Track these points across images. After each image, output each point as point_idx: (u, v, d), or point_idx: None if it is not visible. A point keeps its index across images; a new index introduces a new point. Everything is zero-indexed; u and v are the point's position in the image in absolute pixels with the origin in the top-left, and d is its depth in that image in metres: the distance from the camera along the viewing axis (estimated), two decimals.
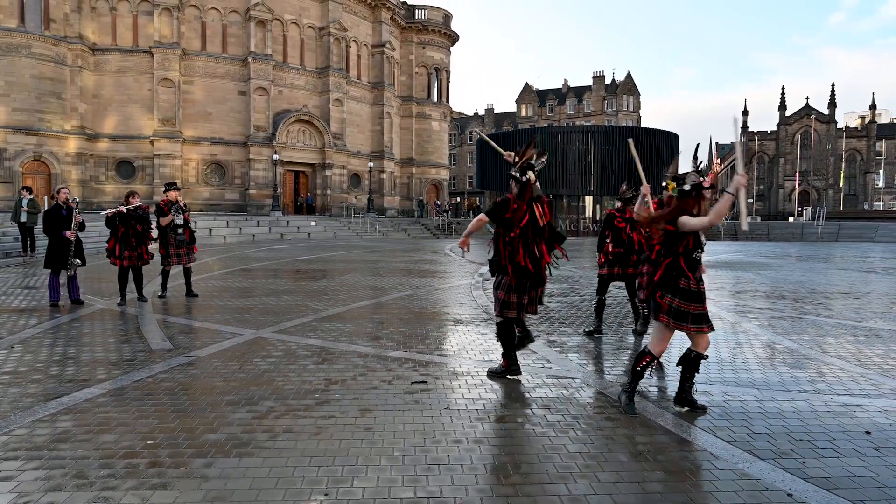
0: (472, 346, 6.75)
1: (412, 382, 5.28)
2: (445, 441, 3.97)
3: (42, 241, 16.99)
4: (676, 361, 4.69)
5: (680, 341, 5.54)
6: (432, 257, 20.35)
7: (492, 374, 5.53)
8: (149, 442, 3.89)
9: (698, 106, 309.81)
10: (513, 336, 5.42)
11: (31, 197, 17.98)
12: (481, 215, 5.34)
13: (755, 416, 4.54)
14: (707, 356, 4.69)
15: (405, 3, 51.65)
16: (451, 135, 73.61)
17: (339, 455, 3.72)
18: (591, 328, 7.45)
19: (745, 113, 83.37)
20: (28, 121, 33.72)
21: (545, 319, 8.43)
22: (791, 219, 58.71)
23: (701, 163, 4.64)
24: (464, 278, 13.75)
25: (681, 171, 5.07)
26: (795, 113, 79.63)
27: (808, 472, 3.53)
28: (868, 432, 4.18)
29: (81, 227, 9.33)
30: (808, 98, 79.99)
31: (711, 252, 23.34)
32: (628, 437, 4.07)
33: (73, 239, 9.11)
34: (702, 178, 4.40)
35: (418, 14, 52.21)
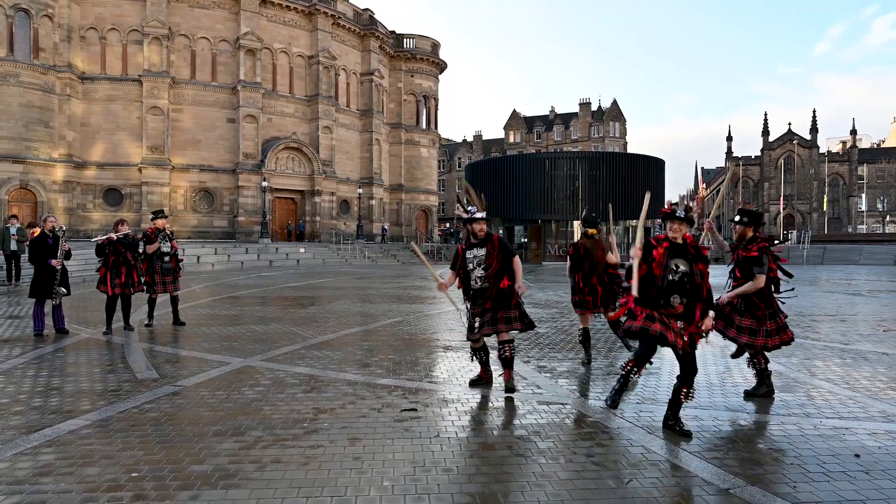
0: (461, 373, 6.71)
1: (402, 410, 5.23)
2: (436, 470, 3.93)
3: (27, 270, 16.81)
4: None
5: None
6: (422, 283, 20.32)
7: (474, 384, 6.05)
8: (133, 474, 3.81)
9: (693, 132, 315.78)
10: None
11: (20, 225, 17.87)
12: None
13: (746, 441, 4.54)
14: None
15: (394, 32, 52.38)
16: (440, 161, 74.20)
17: (327, 485, 3.67)
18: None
19: (729, 139, 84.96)
20: (15, 149, 33.62)
21: (535, 345, 8.42)
22: (777, 242, 59.29)
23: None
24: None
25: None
26: (778, 138, 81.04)
27: (799, 497, 3.52)
28: (857, 455, 4.19)
29: (68, 255, 9.25)
30: (790, 124, 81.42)
31: None
32: (619, 464, 4.05)
33: (58, 268, 9.02)
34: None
35: (407, 43, 52.93)
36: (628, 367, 4.98)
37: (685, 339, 4.58)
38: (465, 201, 6.01)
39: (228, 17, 38.90)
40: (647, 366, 5.32)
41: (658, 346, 4.81)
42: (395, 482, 3.72)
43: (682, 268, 4.60)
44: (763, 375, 5.72)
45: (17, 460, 4.06)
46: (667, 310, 4.61)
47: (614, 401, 5.21)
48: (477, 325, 5.70)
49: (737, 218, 5.81)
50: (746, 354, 5.83)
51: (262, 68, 39.77)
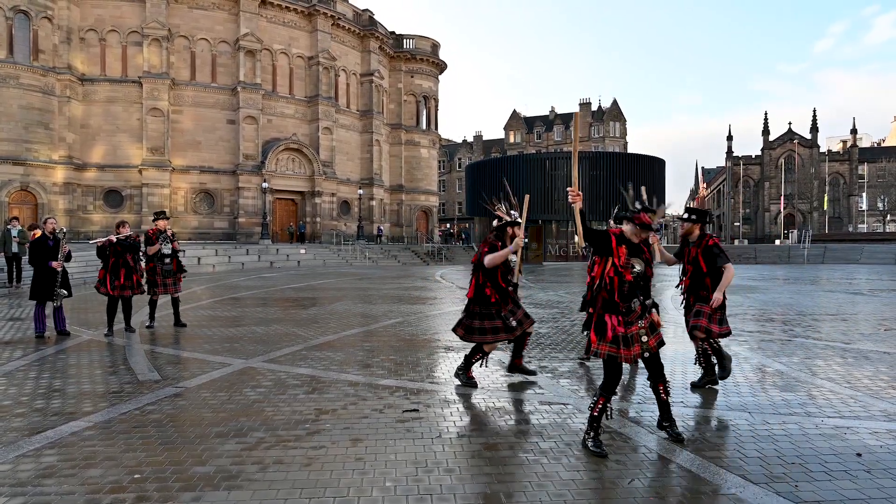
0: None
1: (403, 411, 5.24)
2: (438, 470, 3.93)
3: (28, 272, 16.82)
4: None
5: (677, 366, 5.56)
6: (423, 284, 20.32)
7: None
8: (136, 476, 3.82)
9: (696, 131, 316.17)
10: None
11: (21, 227, 17.89)
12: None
13: (747, 440, 4.54)
14: None
15: (394, 32, 52.39)
16: (440, 161, 74.19)
17: (329, 486, 3.67)
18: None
19: (729, 138, 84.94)
20: (15, 151, 33.65)
21: (536, 345, 8.42)
22: (778, 241, 59.39)
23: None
24: (454, 304, 13.72)
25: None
26: (779, 138, 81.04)
27: (801, 496, 3.53)
28: (859, 454, 4.20)
29: (68, 257, 9.26)
30: (790, 123, 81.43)
31: None
32: (621, 464, 4.05)
33: (59, 269, 9.03)
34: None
35: (406, 43, 52.95)
36: (600, 406, 4.32)
37: (646, 340, 4.34)
38: (508, 206, 6.15)
39: (228, 18, 38.92)
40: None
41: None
42: (398, 483, 3.73)
43: (638, 267, 4.34)
44: (722, 357, 5.94)
45: (19, 462, 4.07)
46: (628, 315, 4.30)
47: (598, 444, 4.29)
48: (514, 323, 5.92)
49: (685, 216, 5.97)
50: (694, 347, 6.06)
51: (262, 69, 39.79)
